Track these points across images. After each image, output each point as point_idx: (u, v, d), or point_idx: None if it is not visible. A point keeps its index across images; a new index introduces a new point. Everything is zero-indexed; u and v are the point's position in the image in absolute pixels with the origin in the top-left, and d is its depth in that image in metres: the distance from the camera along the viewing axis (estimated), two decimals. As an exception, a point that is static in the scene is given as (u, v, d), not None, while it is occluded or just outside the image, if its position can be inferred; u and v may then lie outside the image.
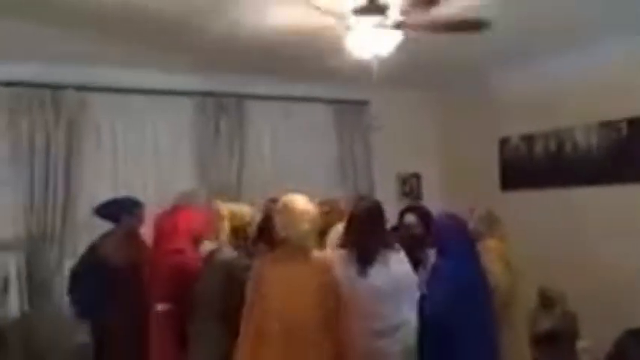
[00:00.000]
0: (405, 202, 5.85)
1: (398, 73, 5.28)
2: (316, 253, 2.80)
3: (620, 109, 4.59)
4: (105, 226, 4.23)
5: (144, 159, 5.08)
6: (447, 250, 3.32)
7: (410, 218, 4.05)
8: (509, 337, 3.51)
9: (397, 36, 3.21)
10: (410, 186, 6.43)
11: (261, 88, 5.49)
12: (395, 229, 3.85)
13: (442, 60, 5.03)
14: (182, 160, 5.26)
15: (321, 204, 4.25)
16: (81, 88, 4.77)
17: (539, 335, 4.21)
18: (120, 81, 4.90)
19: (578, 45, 4.65)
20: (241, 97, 5.46)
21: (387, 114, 6.07)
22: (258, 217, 3.32)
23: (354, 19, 3.15)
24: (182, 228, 3.42)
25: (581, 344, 4.41)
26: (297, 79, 5.46)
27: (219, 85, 5.32)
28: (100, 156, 4.93)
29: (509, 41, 4.50)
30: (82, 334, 4.41)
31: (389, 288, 2.93)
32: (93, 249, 3.98)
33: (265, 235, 3.12)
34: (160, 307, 3.30)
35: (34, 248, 4.54)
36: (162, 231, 3.51)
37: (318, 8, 3.26)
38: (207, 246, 3.32)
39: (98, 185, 4.84)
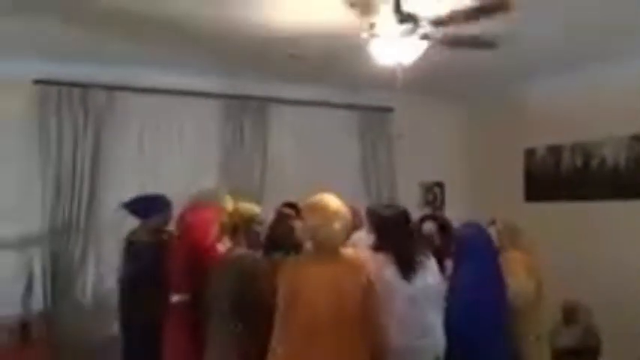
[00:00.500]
0: (427, 211, 5.85)
1: (424, 80, 5.27)
2: (347, 251, 2.80)
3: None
4: (129, 224, 4.33)
5: (169, 158, 5.15)
6: (468, 260, 3.32)
7: (429, 227, 4.06)
8: (532, 348, 3.49)
9: (421, 45, 3.20)
10: (433, 194, 6.40)
11: (286, 92, 5.53)
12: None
13: (469, 69, 5.00)
14: (206, 160, 5.31)
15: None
16: (110, 87, 4.86)
17: (561, 351, 4.15)
18: (148, 81, 4.99)
19: (609, 56, 4.59)
20: (266, 101, 5.50)
21: (411, 122, 6.06)
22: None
23: (378, 27, 3.14)
24: (202, 224, 3.44)
25: (602, 362, 4.34)
26: (322, 85, 5.49)
27: (244, 88, 5.37)
28: (126, 155, 5.00)
29: (538, 52, 4.48)
30: (106, 328, 4.53)
31: (425, 293, 2.99)
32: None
33: (275, 239, 3.15)
34: (176, 297, 3.30)
35: (58, 243, 4.62)
36: (184, 226, 3.54)
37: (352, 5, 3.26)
38: (226, 244, 3.34)
39: (123, 183, 4.90)
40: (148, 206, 4.04)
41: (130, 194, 4.59)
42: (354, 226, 3.53)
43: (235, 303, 2.91)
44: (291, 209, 3.81)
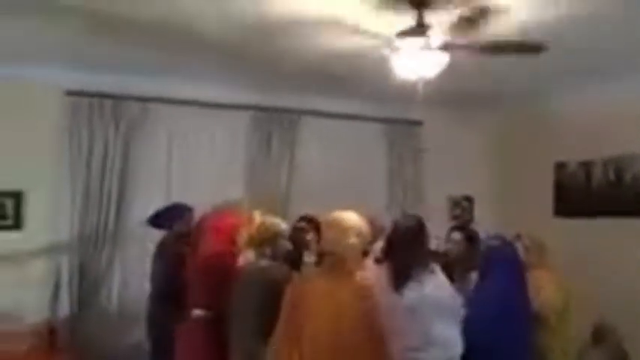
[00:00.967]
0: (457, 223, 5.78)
1: (453, 94, 5.25)
2: (360, 275, 2.78)
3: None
4: (155, 233, 4.42)
5: (196, 169, 5.21)
6: (493, 272, 3.28)
7: (457, 237, 4.01)
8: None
9: (443, 58, 3.18)
10: (461, 208, 6.32)
11: (315, 105, 5.55)
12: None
13: (498, 81, 4.95)
14: (234, 171, 5.35)
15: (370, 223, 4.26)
16: (141, 99, 4.96)
17: (587, 372, 4.05)
18: (178, 93, 5.06)
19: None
20: (294, 113, 5.53)
21: (440, 135, 6.02)
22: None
23: (399, 41, 3.14)
24: (223, 231, 3.46)
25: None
26: (350, 97, 5.50)
27: (273, 100, 5.41)
28: (154, 165, 5.08)
29: (570, 63, 4.39)
30: (132, 335, 4.61)
31: (421, 306, 2.88)
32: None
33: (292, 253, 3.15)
34: (197, 312, 3.32)
35: (86, 251, 4.71)
36: (202, 235, 3.57)
37: (365, 32, 3.29)
38: (247, 255, 3.35)
39: (151, 194, 4.99)
40: (169, 217, 4.12)
41: (157, 204, 4.73)
42: (374, 237, 3.54)
43: (259, 313, 2.91)
44: (307, 223, 3.82)
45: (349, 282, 2.66)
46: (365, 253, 3.33)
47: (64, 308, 4.65)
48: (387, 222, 3.99)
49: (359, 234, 2.69)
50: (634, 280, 4.64)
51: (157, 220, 4.30)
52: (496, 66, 3.75)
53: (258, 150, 5.39)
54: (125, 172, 4.90)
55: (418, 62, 3.16)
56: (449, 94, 5.33)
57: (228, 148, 5.33)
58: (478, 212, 6.32)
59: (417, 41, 3.12)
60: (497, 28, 3.39)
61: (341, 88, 5.18)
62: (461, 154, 6.11)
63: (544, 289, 3.45)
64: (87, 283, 4.70)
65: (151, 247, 4.44)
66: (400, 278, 2.91)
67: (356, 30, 3.40)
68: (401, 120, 5.95)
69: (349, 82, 4.87)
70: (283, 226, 3.31)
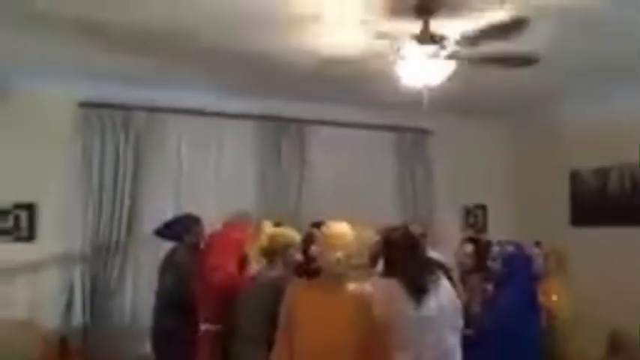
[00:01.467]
0: (471, 233, 5.73)
1: (464, 102, 5.22)
2: (352, 286, 2.74)
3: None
4: (167, 244, 4.43)
5: (207, 178, 5.23)
6: (507, 281, 3.27)
7: (467, 248, 3.97)
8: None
9: (449, 66, 3.16)
10: (475, 217, 6.26)
11: (323, 114, 5.54)
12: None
13: (511, 90, 4.91)
14: (243, 180, 5.36)
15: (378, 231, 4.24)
16: (150, 109, 5.00)
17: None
18: (187, 103, 5.09)
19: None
20: (303, 122, 5.54)
21: (451, 143, 5.99)
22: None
23: (407, 48, 3.13)
24: (228, 246, 3.47)
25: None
26: (359, 106, 5.49)
27: (281, 109, 5.42)
28: (165, 174, 5.11)
29: (583, 71, 4.35)
30: (141, 345, 4.62)
31: (439, 317, 2.87)
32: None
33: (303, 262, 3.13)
34: (205, 327, 3.32)
35: (98, 262, 4.75)
36: (210, 248, 3.58)
37: (371, 40, 3.29)
38: (257, 265, 3.34)
39: (162, 203, 5.03)
40: (177, 228, 4.12)
41: (167, 215, 4.75)
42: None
43: (267, 323, 2.88)
44: (318, 229, 3.79)
45: (342, 293, 2.63)
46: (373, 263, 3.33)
47: (77, 318, 4.68)
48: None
49: (345, 247, 2.63)
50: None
51: (166, 231, 4.30)
52: (508, 73, 3.72)
53: (267, 159, 5.41)
54: (136, 183, 4.93)
55: (424, 70, 3.14)
56: (460, 103, 5.32)
57: (237, 158, 5.35)
58: (492, 222, 6.25)
59: (422, 49, 3.11)
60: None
61: (350, 96, 5.18)
62: (473, 163, 6.06)
63: (557, 298, 3.45)
64: (99, 294, 4.73)
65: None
66: (419, 291, 2.86)
67: (362, 38, 3.41)
68: (410, 129, 5.92)
69: (358, 90, 4.87)
70: (294, 236, 3.28)
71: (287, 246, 3.15)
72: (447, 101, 4.87)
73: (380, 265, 3.55)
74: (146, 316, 4.77)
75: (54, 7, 3.20)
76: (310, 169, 5.57)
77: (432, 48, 3.11)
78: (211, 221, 4.18)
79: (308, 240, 3.27)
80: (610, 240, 4.98)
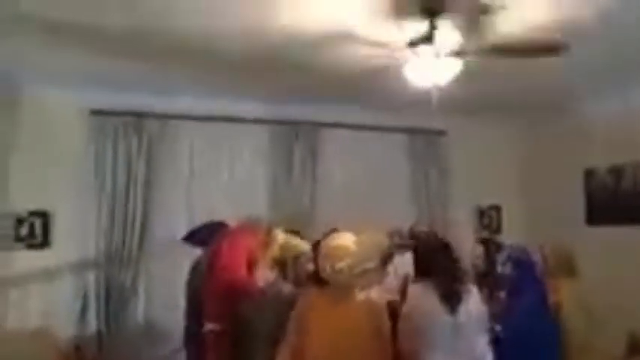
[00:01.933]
0: (485, 234, 5.69)
1: (477, 102, 5.18)
2: (361, 295, 2.78)
3: None
4: (179, 250, 4.46)
5: (219, 184, 5.24)
6: (519, 286, 3.26)
7: (477, 250, 3.94)
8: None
9: (456, 65, 3.13)
10: (489, 218, 6.20)
11: (336, 117, 5.53)
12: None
13: (524, 88, 4.85)
14: (256, 185, 5.36)
15: (390, 234, 4.23)
16: (161, 116, 5.02)
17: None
18: (198, 109, 5.10)
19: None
20: (316, 126, 5.53)
21: (465, 144, 5.94)
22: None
23: (412, 50, 3.11)
24: (238, 249, 3.46)
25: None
26: (370, 108, 5.45)
27: (293, 113, 5.41)
28: (177, 180, 5.12)
29: (598, 68, 4.30)
30: (156, 351, 4.64)
31: (469, 323, 2.87)
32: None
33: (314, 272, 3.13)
34: (210, 326, 3.32)
35: (112, 268, 4.77)
36: (218, 251, 3.57)
37: (378, 41, 3.28)
38: (265, 273, 3.35)
39: (175, 209, 5.05)
40: (203, 235, 4.12)
41: (180, 220, 4.85)
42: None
43: (275, 335, 2.89)
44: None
45: (350, 301, 2.68)
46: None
47: (91, 325, 4.70)
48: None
49: (346, 257, 2.70)
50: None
51: (192, 238, 4.31)
52: (520, 72, 3.68)
53: (279, 163, 5.40)
54: (148, 189, 4.95)
55: (431, 70, 3.12)
56: (473, 103, 5.28)
57: (249, 163, 5.35)
58: (506, 222, 6.19)
59: (429, 49, 3.09)
60: (514, 28, 3.33)
61: (360, 99, 5.16)
62: (487, 163, 6.00)
63: (557, 296, 3.38)
64: (113, 300, 4.75)
65: (176, 264, 4.51)
66: (452, 298, 2.87)
67: (369, 40, 3.40)
68: (424, 130, 5.89)
69: (368, 92, 4.85)
70: (304, 246, 3.29)
71: (297, 256, 3.18)
72: (460, 101, 4.84)
73: (391, 267, 3.56)
74: (160, 322, 4.85)
75: (65, 15, 3.22)
76: (323, 173, 5.55)
77: (438, 48, 3.09)
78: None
79: (316, 249, 3.27)
80: (626, 239, 4.90)
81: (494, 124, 6.04)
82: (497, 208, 6.23)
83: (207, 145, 5.24)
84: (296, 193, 5.42)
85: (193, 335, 3.69)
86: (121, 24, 3.37)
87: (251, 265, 3.41)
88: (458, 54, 3.12)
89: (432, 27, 3.10)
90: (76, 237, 4.74)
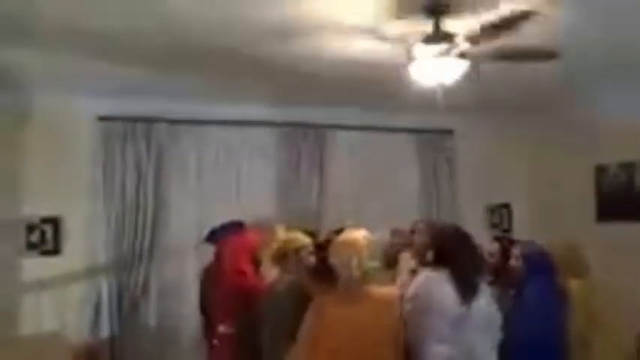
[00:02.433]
0: (497, 233, 5.67)
1: (484, 100, 5.16)
2: (376, 289, 2.75)
3: None
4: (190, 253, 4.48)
5: (228, 187, 5.26)
6: (529, 280, 3.26)
7: (492, 247, 3.93)
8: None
9: (462, 64, 3.12)
10: (499, 217, 6.17)
11: (343, 118, 5.53)
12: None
13: (532, 85, 4.82)
14: (265, 187, 5.38)
15: (393, 234, 4.23)
16: (170, 120, 5.04)
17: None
18: (206, 113, 5.11)
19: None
20: (323, 127, 5.53)
21: (473, 142, 5.93)
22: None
23: (418, 48, 3.10)
24: (242, 250, 3.48)
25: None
26: (377, 108, 5.45)
27: (300, 115, 5.42)
28: (186, 184, 5.14)
29: (606, 64, 4.25)
30: (169, 354, 4.67)
31: (478, 319, 2.80)
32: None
33: (320, 268, 3.13)
34: (222, 328, 3.34)
35: (123, 272, 4.80)
36: (225, 253, 3.59)
37: (383, 41, 3.28)
38: (270, 270, 3.36)
39: (184, 213, 5.07)
40: (222, 235, 4.13)
41: (189, 224, 4.89)
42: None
43: (286, 328, 2.89)
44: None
45: (365, 299, 2.67)
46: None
47: (105, 330, 4.74)
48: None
49: (357, 253, 2.71)
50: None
51: (212, 237, 4.32)
52: (528, 67, 3.65)
53: (287, 166, 5.41)
54: (158, 193, 4.97)
55: (436, 69, 3.12)
56: (480, 102, 5.26)
57: (257, 166, 5.36)
58: (516, 220, 6.17)
59: (434, 48, 3.08)
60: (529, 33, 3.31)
61: (367, 99, 5.15)
62: (496, 161, 5.99)
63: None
64: (125, 305, 4.78)
65: (187, 267, 4.52)
66: (469, 289, 2.78)
67: (374, 39, 3.40)
68: (431, 129, 5.88)
69: (375, 92, 4.84)
70: (307, 240, 3.29)
71: (297, 250, 3.19)
72: (468, 100, 4.82)
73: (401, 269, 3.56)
74: (172, 325, 4.87)
75: (73, 22, 3.23)
76: (331, 174, 5.55)
77: (443, 47, 3.08)
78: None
79: (325, 245, 3.27)
80: (638, 236, 4.86)
81: (503, 122, 6.00)
82: (507, 207, 6.20)
83: (215, 148, 5.26)
84: (304, 194, 5.43)
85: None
86: (128, 29, 3.38)
87: (256, 265, 3.43)
88: (463, 54, 3.10)
89: (437, 26, 3.10)
90: (87, 243, 4.78)
